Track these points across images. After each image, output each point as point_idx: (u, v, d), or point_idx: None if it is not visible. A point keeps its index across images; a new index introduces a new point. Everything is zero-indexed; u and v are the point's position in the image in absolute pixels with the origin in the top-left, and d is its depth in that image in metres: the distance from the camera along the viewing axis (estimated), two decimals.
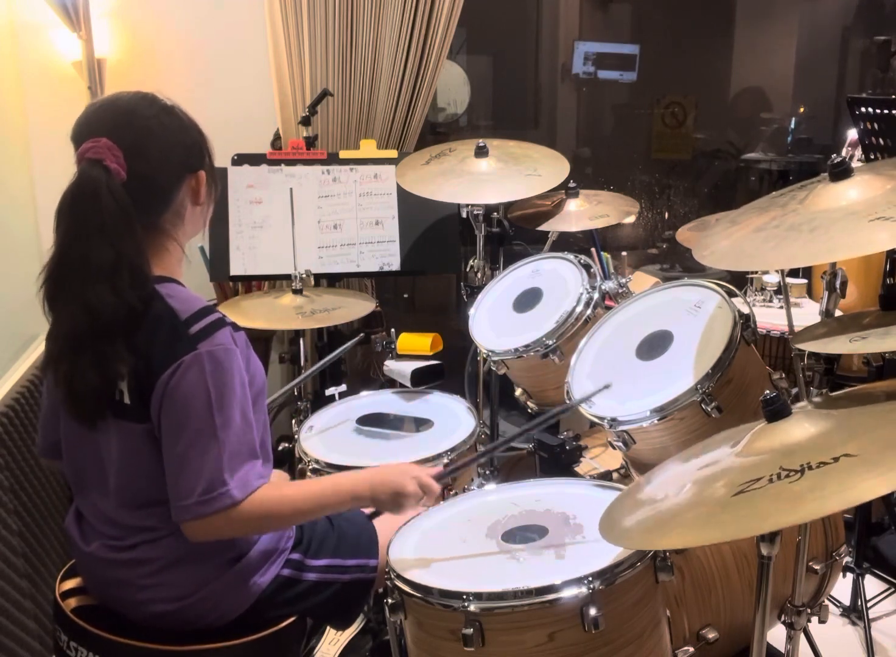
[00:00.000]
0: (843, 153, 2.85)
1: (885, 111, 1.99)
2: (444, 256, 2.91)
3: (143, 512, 1.40)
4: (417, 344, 2.61)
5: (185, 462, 1.31)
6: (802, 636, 1.62)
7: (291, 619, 1.49)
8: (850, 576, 2.32)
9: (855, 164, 1.58)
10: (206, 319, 1.34)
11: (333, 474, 1.56)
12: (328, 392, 2.39)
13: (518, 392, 2.31)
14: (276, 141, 3.19)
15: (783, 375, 1.80)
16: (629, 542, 1.22)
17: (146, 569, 1.40)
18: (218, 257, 2.75)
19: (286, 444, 2.60)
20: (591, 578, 1.28)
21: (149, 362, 1.32)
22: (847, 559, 2.26)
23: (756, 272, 2.84)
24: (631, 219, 2.89)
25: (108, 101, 1.41)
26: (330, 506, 1.43)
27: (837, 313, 1.81)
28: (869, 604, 2.29)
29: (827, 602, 1.74)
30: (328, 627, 2.07)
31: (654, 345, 1.82)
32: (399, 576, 1.40)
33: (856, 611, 2.35)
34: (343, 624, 1.69)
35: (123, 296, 1.30)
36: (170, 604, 1.41)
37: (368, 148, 2.95)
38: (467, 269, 2.65)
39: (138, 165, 1.34)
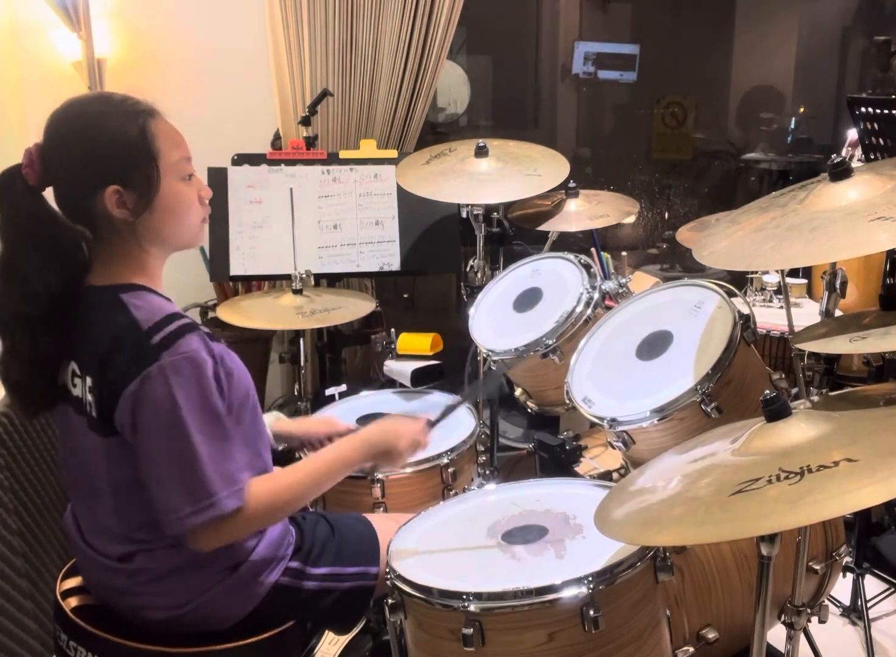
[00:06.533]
0: (843, 153, 2.85)
1: (885, 111, 1.99)
2: (444, 256, 2.92)
3: (135, 523, 1.37)
4: (417, 344, 2.61)
5: (165, 476, 1.28)
6: (802, 636, 1.61)
7: (291, 623, 1.48)
8: (850, 576, 2.32)
9: (855, 164, 1.59)
10: (171, 326, 1.29)
11: (323, 450, 1.55)
12: (328, 392, 2.39)
13: (518, 392, 2.31)
14: (276, 141, 3.19)
15: (783, 375, 1.80)
16: (620, 533, 1.21)
17: (142, 577, 1.39)
18: (218, 257, 2.75)
19: (286, 445, 2.59)
20: (591, 578, 1.28)
21: (110, 376, 1.29)
22: (847, 559, 2.25)
23: (756, 272, 2.84)
24: (631, 219, 2.89)
25: (65, 102, 1.38)
26: (333, 478, 1.47)
27: (837, 313, 1.82)
28: (869, 604, 2.29)
29: (827, 602, 1.74)
30: None
31: (654, 345, 1.82)
32: (399, 577, 1.40)
33: (856, 611, 2.35)
34: (343, 629, 1.69)
35: (19, 295, 1.33)
36: (166, 612, 1.40)
37: (368, 148, 2.95)
38: (467, 269, 2.64)
39: (51, 170, 1.35)
